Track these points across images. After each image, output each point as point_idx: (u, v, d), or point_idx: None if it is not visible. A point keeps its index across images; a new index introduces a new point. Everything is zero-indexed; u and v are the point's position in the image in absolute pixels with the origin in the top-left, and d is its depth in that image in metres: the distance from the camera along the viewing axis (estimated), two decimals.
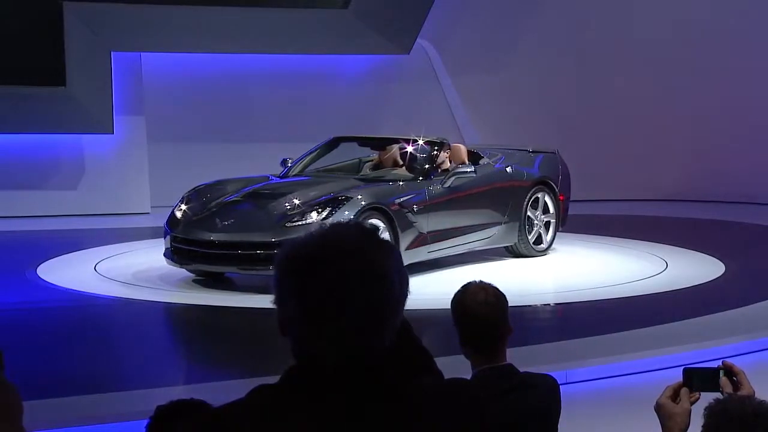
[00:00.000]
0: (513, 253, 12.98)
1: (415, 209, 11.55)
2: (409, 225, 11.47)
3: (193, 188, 11.95)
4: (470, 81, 18.77)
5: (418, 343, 2.59)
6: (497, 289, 4.05)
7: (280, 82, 18.16)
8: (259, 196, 11.52)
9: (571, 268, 12.56)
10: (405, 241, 11.34)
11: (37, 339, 9.25)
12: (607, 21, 18.43)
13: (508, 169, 12.87)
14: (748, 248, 14.17)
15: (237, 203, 11.46)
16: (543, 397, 4.03)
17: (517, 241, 12.83)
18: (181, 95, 17.76)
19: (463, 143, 13.61)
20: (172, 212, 11.57)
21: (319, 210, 11.04)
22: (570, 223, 13.59)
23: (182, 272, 11.56)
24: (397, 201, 11.42)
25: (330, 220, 10.66)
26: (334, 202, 11.11)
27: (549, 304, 11.13)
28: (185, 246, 11.19)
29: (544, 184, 13.15)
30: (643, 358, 8.42)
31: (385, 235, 10.73)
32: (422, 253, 11.62)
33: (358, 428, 2.07)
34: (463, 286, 4.06)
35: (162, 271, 11.69)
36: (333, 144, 13.11)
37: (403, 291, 2.13)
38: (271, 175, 12.50)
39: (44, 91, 16.44)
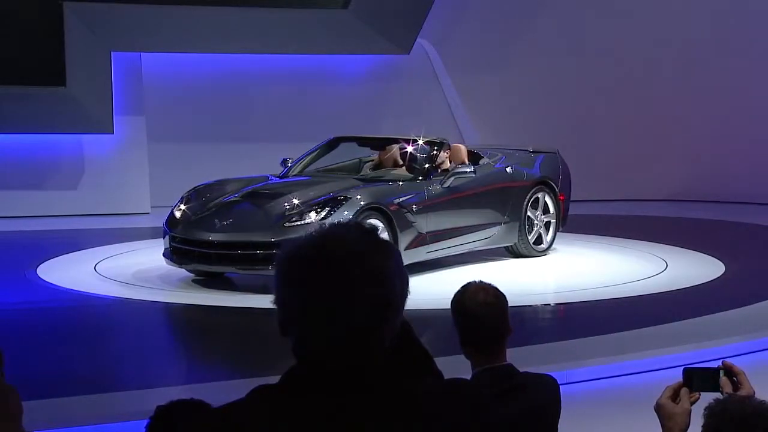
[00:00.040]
0: (513, 253, 12.98)
1: (414, 209, 11.55)
2: (408, 225, 11.46)
3: (193, 188, 11.95)
4: (470, 81, 18.77)
5: (418, 344, 2.59)
6: (497, 289, 4.05)
7: (280, 82, 18.16)
8: (259, 196, 11.51)
9: (571, 268, 12.56)
10: (404, 241, 11.33)
11: (37, 339, 9.25)
12: (607, 21, 18.42)
13: (508, 169, 12.87)
14: (748, 248, 14.17)
15: (236, 203, 11.46)
16: (543, 397, 4.03)
17: (517, 241, 12.82)
18: (181, 95, 17.76)
19: (463, 143, 13.61)
20: (172, 212, 11.57)
21: (318, 210, 11.04)
22: (570, 223, 13.59)
23: (182, 272, 11.56)
24: (396, 201, 11.42)
25: (329, 221, 10.66)
26: (333, 202, 11.11)
27: (549, 304, 11.13)
28: (184, 246, 11.19)
29: (544, 184, 13.14)
30: (643, 358, 8.42)
31: (384, 235, 10.73)
32: (421, 254, 11.61)
33: (358, 428, 2.07)
34: (463, 286, 4.06)
35: (161, 271, 11.69)
36: (333, 144, 13.11)
37: (404, 291, 2.13)
38: (271, 175, 12.50)
39: (44, 91, 16.44)
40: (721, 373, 2.73)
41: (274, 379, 2.13)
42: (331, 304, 2.06)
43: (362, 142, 13.24)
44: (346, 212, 10.95)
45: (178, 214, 11.45)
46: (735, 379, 2.72)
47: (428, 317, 9.18)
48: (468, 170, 12.10)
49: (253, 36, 17.40)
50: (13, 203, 16.50)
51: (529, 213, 12.90)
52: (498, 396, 3.81)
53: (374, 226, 10.39)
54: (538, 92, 18.59)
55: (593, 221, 15.69)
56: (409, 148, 12.34)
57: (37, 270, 12.04)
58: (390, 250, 2.15)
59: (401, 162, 12.39)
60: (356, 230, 2.15)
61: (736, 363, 2.76)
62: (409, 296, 2.15)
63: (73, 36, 16.56)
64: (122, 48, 17.03)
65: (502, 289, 4.06)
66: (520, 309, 10.04)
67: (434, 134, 12.73)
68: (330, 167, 12.78)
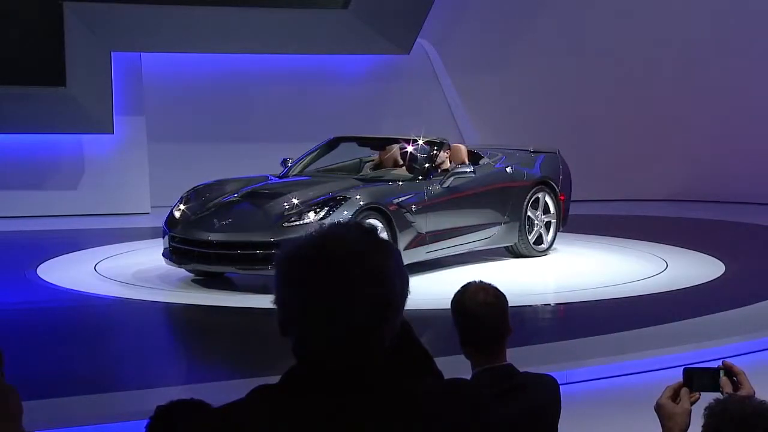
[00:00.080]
0: (513, 253, 12.98)
1: (413, 209, 11.54)
2: (408, 225, 11.46)
3: (192, 188, 11.94)
4: (470, 81, 18.77)
5: (418, 344, 2.59)
6: (497, 289, 4.05)
7: (281, 82, 18.16)
8: (258, 196, 11.51)
9: (571, 268, 12.56)
10: (403, 241, 11.33)
11: (37, 339, 9.25)
12: (607, 21, 18.42)
13: (508, 169, 12.87)
14: (748, 248, 14.17)
15: (235, 203, 11.45)
16: (543, 397, 4.03)
17: (517, 241, 12.82)
18: (181, 95, 17.76)
19: (463, 143, 13.61)
20: (171, 212, 11.57)
21: (317, 210, 11.04)
22: (570, 223, 13.59)
23: (182, 272, 11.56)
24: (396, 201, 11.41)
25: (328, 220, 10.66)
26: (332, 202, 11.11)
27: (549, 304, 11.13)
28: (184, 246, 11.19)
29: (544, 184, 13.14)
30: (643, 358, 8.42)
31: (383, 235, 10.73)
32: (421, 254, 11.61)
33: (358, 428, 2.07)
34: (463, 286, 4.06)
35: (161, 271, 11.69)
36: (333, 144, 13.11)
37: (404, 291, 2.13)
38: (271, 175, 12.50)
39: (44, 91, 16.44)
40: (721, 373, 2.73)
41: (274, 379, 2.13)
42: (331, 304, 2.06)
43: (362, 142, 13.24)
44: (345, 212, 10.95)
45: (177, 214, 11.45)
46: (735, 379, 2.72)
47: (428, 317, 9.18)
48: (468, 170, 12.09)
49: (253, 36, 17.40)
50: (13, 203, 16.50)
51: (529, 213, 12.90)
52: (498, 396, 3.81)
53: (373, 226, 10.39)
54: (538, 92, 18.58)
55: (593, 221, 15.69)
56: (409, 148, 12.34)
57: (37, 270, 12.04)
58: (390, 249, 2.15)
59: (401, 162, 12.39)
60: (356, 230, 2.14)
61: (736, 363, 2.76)
62: (409, 296, 2.15)
63: (73, 36, 16.56)
64: (122, 48, 17.03)
65: (502, 289, 4.06)
66: (520, 309, 10.04)
67: (434, 134, 12.72)
68: (330, 167, 12.78)
